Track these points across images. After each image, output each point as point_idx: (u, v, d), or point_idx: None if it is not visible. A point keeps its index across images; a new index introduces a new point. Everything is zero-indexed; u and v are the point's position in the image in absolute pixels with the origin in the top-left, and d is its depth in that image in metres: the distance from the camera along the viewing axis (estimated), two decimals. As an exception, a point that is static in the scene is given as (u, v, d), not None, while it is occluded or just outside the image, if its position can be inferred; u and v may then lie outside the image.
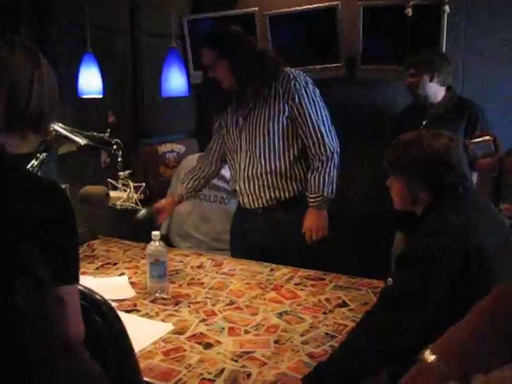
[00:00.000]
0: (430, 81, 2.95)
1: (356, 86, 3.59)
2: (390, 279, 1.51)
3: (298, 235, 2.56)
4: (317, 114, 2.53)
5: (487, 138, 2.52)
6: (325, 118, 2.55)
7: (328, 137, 2.54)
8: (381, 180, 1.86)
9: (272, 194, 2.61)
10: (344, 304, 2.03)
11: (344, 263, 2.38)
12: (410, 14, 3.04)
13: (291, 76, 2.51)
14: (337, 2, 3.42)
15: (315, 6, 3.53)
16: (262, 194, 2.62)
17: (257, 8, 3.68)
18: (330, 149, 2.54)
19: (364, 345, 1.48)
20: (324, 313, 1.96)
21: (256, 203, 2.65)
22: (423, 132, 1.69)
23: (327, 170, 2.54)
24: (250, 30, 3.68)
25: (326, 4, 3.48)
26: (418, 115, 3.03)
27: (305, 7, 3.55)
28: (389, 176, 1.75)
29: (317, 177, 2.54)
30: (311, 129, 2.52)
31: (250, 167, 2.61)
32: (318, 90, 2.57)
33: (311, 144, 2.53)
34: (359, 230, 3.56)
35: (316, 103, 2.53)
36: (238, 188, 2.68)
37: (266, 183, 2.60)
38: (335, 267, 2.40)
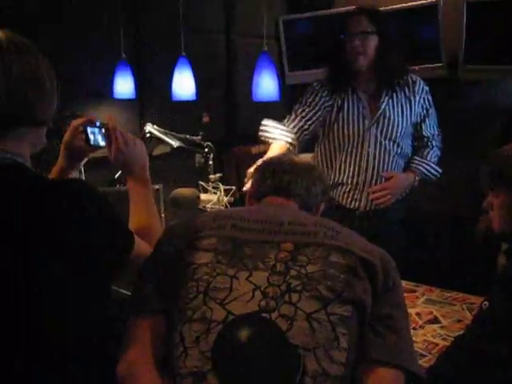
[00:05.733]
0: None
1: (458, 87, 3.41)
2: (485, 302, 1.38)
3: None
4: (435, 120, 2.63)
5: None
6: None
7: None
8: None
9: None
10: (435, 320, 1.92)
11: (443, 272, 2.24)
12: (520, 9, 2.84)
13: (422, 83, 2.56)
14: (439, -2, 3.28)
15: (415, 3, 3.40)
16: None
17: (353, 7, 3.58)
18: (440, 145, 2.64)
19: (451, 377, 1.36)
20: (414, 328, 1.86)
21: (357, 204, 2.51)
22: None
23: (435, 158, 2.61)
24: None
25: (427, 0, 3.33)
26: None
27: (404, 4, 3.43)
28: (488, 193, 1.59)
29: (434, 155, 2.60)
30: (433, 129, 2.61)
31: (376, 161, 2.49)
32: None
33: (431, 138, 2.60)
34: (462, 235, 3.37)
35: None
36: (342, 180, 2.52)
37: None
38: (432, 276, 2.28)
